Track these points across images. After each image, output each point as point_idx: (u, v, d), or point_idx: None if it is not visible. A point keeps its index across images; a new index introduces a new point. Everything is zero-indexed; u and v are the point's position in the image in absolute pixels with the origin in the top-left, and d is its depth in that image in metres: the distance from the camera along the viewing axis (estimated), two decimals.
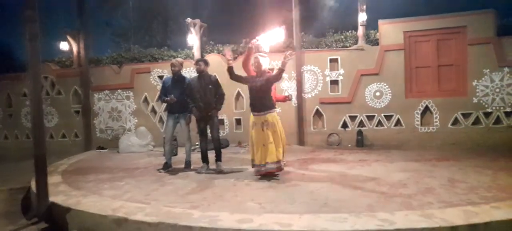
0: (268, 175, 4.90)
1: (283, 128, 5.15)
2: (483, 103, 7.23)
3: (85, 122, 8.99)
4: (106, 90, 9.09)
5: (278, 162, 4.89)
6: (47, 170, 4.28)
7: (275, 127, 4.93)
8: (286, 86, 8.13)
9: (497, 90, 7.16)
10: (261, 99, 4.94)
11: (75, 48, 9.36)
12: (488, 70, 7.17)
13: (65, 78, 9.28)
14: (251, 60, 5.22)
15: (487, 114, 7.24)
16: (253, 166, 5.14)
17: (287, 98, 6.01)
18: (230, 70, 5.08)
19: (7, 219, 4.36)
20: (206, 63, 5.62)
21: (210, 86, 5.49)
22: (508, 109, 7.12)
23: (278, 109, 6.08)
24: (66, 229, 3.77)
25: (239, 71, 5.27)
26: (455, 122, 7.40)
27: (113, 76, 9.05)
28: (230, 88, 8.00)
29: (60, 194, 4.46)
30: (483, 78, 7.20)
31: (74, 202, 4.06)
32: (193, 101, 5.54)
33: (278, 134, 4.95)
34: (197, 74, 5.60)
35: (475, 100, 7.25)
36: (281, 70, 4.81)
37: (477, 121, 7.29)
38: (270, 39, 6.48)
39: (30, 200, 4.89)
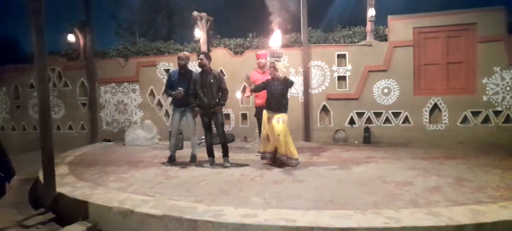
0: (279, 163, 5.34)
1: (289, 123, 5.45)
2: (493, 102, 7.13)
3: (91, 114, 9.05)
4: (112, 83, 9.12)
5: (287, 156, 5.27)
6: (54, 162, 4.31)
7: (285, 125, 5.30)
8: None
9: (508, 88, 7.05)
10: (279, 100, 5.28)
11: (82, 41, 9.39)
12: (499, 68, 7.05)
13: (72, 70, 9.33)
14: (267, 64, 5.62)
15: (497, 113, 7.14)
16: (263, 157, 5.55)
17: None
18: (255, 91, 5.53)
19: (15, 208, 4.43)
20: (208, 57, 5.56)
21: (212, 80, 5.40)
22: None
23: None
24: (72, 220, 3.80)
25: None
26: (464, 120, 7.31)
27: (119, 69, 9.07)
28: (236, 83, 7.98)
29: (67, 185, 4.49)
30: (493, 77, 7.09)
31: (80, 194, 4.09)
32: (196, 98, 5.50)
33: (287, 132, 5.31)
34: (200, 70, 5.54)
35: (485, 98, 7.15)
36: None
37: (486, 120, 7.19)
38: (278, 41, 6.67)
39: (38, 191, 4.94)
